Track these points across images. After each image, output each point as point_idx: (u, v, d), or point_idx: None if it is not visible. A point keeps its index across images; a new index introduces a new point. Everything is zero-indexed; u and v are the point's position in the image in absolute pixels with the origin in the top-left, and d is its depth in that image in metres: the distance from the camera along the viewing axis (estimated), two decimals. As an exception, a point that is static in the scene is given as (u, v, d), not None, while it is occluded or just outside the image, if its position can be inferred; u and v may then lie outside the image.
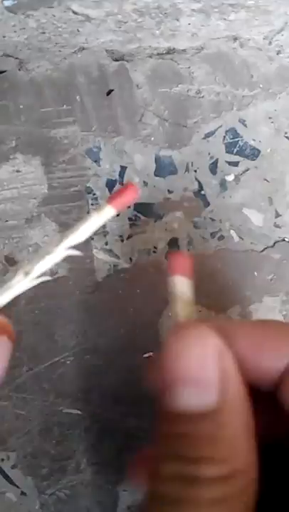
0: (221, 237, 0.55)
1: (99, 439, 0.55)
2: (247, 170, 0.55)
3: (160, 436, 0.22)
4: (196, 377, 0.20)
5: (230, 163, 0.55)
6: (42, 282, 0.52)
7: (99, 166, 0.54)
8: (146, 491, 0.21)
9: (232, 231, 0.55)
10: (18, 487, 0.55)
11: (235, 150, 0.54)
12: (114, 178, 0.54)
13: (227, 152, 0.54)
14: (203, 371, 0.20)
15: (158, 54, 0.54)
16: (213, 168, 0.54)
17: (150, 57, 0.54)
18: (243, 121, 0.54)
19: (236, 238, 0.55)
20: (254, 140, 0.54)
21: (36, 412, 0.54)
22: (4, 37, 0.51)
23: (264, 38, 0.54)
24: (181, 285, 0.27)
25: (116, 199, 0.27)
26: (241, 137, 0.54)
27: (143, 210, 0.54)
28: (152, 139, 0.54)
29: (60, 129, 0.54)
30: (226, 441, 0.19)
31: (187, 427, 0.20)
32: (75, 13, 0.49)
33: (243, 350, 0.22)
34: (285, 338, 0.22)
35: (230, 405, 0.20)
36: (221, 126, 0.54)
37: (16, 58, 0.53)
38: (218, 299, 0.55)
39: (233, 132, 0.54)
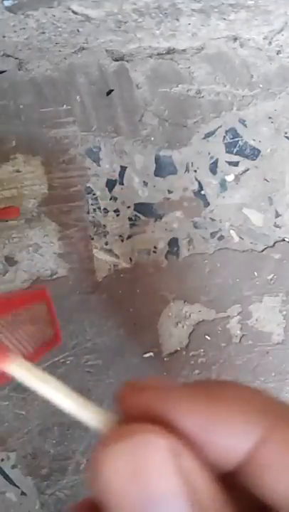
0: (221, 237, 0.55)
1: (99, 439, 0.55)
2: (247, 170, 0.55)
3: None
4: (156, 500, 0.16)
5: (230, 163, 0.55)
6: (42, 282, 0.52)
7: (99, 166, 0.54)
8: None
9: (232, 231, 0.55)
10: (18, 487, 0.55)
11: (235, 150, 0.54)
12: (114, 178, 0.54)
13: (227, 152, 0.54)
14: (163, 488, 0.16)
15: (158, 54, 0.54)
16: (213, 168, 0.54)
17: (150, 57, 0.54)
18: (243, 121, 0.54)
19: (236, 238, 0.55)
20: (254, 140, 0.54)
21: (36, 412, 0.54)
22: (4, 37, 0.51)
23: (264, 38, 0.54)
24: (30, 371, 0.18)
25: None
26: (241, 137, 0.54)
27: (143, 210, 0.54)
28: (152, 139, 0.54)
29: (60, 129, 0.54)
30: None
31: None
32: (75, 13, 0.49)
33: (193, 434, 0.17)
34: (246, 411, 0.17)
35: (204, 508, 0.16)
36: (220, 126, 0.54)
37: (16, 58, 0.53)
38: (218, 298, 0.55)
39: (233, 132, 0.54)
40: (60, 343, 0.46)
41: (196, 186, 0.54)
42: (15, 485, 0.55)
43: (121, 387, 0.18)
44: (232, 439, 0.17)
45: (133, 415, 0.17)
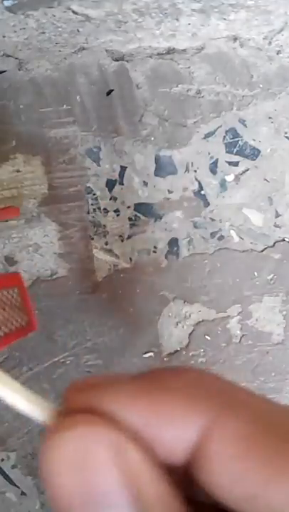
0: (221, 237, 0.55)
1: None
2: (247, 170, 0.55)
3: None
4: (95, 498, 0.16)
5: (230, 163, 0.55)
6: (42, 282, 0.52)
7: (99, 166, 0.54)
8: None
9: (232, 231, 0.55)
10: (18, 487, 0.55)
11: (235, 150, 0.54)
12: (114, 178, 0.54)
13: (227, 152, 0.54)
14: (105, 483, 0.15)
15: (158, 54, 0.54)
16: (213, 168, 0.54)
17: (150, 57, 0.54)
18: (243, 121, 0.54)
19: (236, 238, 0.55)
20: (254, 140, 0.54)
21: (36, 412, 0.54)
22: (4, 37, 0.51)
23: (264, 38, 0.54)
24: None
25: None
26: (241, 137, 0.54)
27: (143, 210, 0.54)
28: (152, 139, 0.54)
29: (60, 129, 0.54)
30: None
31: None
32: (75, 13, 0.49)
33: (138, 427, 0.16)
34: (189, 400, 0.16)
35: (150, 509, 0.15)
36: (220, 126, 0.54)
37: (16, 58, 0.53)
38: (218, 298, 0.55)
39: (233, 132, 0.54)
40: (35, 329, 0.46)
41: (196, 186, 0.54)
42: (15, 485, 0.55)
43: (66, 387, 0.18)
44: (175, 431, 0.16)
45: (78, 412, 0.17)
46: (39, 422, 0.17)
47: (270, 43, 0.54)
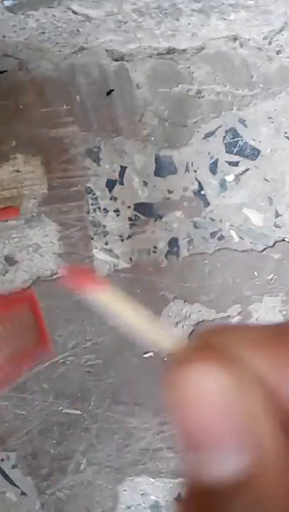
0: (221, 237, 0.55)
1: (99, 439, 0.55)
2: (247, 170, 0.55)
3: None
4: (213, 436, 0.15)
5: (230, 163, 0.55)
6: (42, 282, 0.51)
7: (99, 166, 0.54)
8: None
9: (232, 231, 0.55)
10: (18, 487, 0.55)
11: (235, 150, 0.54)
12: (114, 178, 0.54)
13: (227, 152, 0.54)
14: (222, 426, 0.15)
15: (158, 54, 0.54)
16: (213, 168, 0.54)
17: (150, 57, 0.54)
18: (243, 121, 0.54)
19: (236, 238, 0.55)
20: (254, 140, 0.54)
21: (36, 412, 0.54)
22: (4, 37, 0.51)
23: (264, 38, 0.54)
24: (113, 297, 0.19)
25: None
26: (241, 137, 0.54)
27: (143, 210, 0.54)
28: (152, 138, 0.54)
29: (60, 129, 0.54)
30: None
31: (218, 504, 0.15)
32: (75, 13, 0.49)
33: (262, 373, 0.16)
34: None
35: (268, 467, 0.15)
36: (220, 126, 0.54)
37: (16, 58, 0.53)
38: (218, 298, 0.55)
39: (233, 132, 0.54)
40: (50, 351, 0.45)
41: (196, 186, 0.54)
42: (15, 485, 0.55)
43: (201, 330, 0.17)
44: None
45: (209, 349, 0.17)
46: (166, 350, 0.17)
47: (270, 43, 0.54)
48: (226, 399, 0.15)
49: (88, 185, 0.54)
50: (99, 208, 0.54)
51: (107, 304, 0.19)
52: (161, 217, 0.54)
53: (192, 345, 0.17)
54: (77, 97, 0.54)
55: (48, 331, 0.44)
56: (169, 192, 0.54)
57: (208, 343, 0.17)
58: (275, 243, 0.55)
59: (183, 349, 0.17)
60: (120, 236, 0.54)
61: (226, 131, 0.54)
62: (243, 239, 0.55)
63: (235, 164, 0.54)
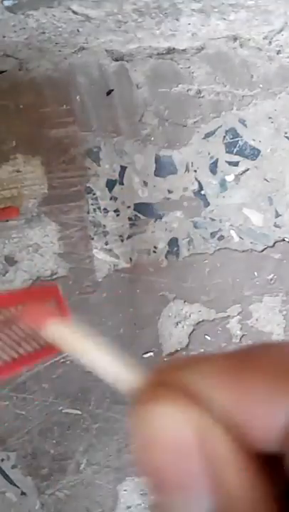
0: (221, 237, 0.55)
1: (99, 439, 0.55)
2: (247, 170, 0.55)
3: None
4: (176, 479, 0.15)
5: (230, 163, 0.55)
6: (42, 282, 0.51)
7: (99, 166, 0.54)
8: None
9: (232, 231, 0.55)
10: (18, 487, 0.55)
11: (235, 150, 0.54)
12: (114, 178, 0.54)
13: (227, 152, 0.54)
14: (185, 469, 0.14)
15: (158, 54, 0.54)
16: (213, 168, 0.54)
17: (150, 57, 0.54)
18: (243, 121, 0.54)
19: (236, 238, 0.55)
20: (254, 140, 0.54)
21: (36, 412, 0.54)
22: (4, 37, 0.51)
23: (264, 38, 0.54)
24: (67, 331, 0.18)
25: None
26: (241, 137, 0.54)
27: (143, 210, 0.54)
28: (152, 138, 0.54)
29: (60, 129, 0.54)
30: None
31: None
32: (75, 13, 0.49)
33: (226, 408, 0.15)
34: (280, 378, 0.15)
35: (233, 503, 0.14)
36: (220, 126, 0.54)
37: (16, 58, 0.53)
38: (218, 298, 0.55)
39: (233, 132, 0.54)
40: None
41: (196, 186, 0.54)
42: (15, 485, 0.55)
43: (157, 365, 0.17)
44: (265, 411, 0.15)
45: (167, 387, 0.16)
46: (123, 390, 0.17)
47: (270, 43, 0.54)
48: (187, 441, 0.14)
49: (88, 185, 0.54)
50: (99, 208, 0.54)
51: (66, 339, 0.18)
52: (161, 217, 0.54)
53: (153, 383, 0.16)
54: (77, 97, 0.54)
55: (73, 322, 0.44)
56: (169, 192, 0.54)
57: (168, 380, 0.16)
58: (275, 243, 0.55)
59: (144, 386, 0.16)
60: (120, 236, 0.54)
61: (226, 131, 0.54)
62: (243, 239, 0.55)
63: (235, 164, 0.54)
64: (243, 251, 0.55)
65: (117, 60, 0.54)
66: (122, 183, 0.54)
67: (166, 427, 0.15)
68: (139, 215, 0.54)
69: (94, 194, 0.54)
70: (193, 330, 0.55)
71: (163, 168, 0.54)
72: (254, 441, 0.15)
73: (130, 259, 0.54)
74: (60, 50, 0.53)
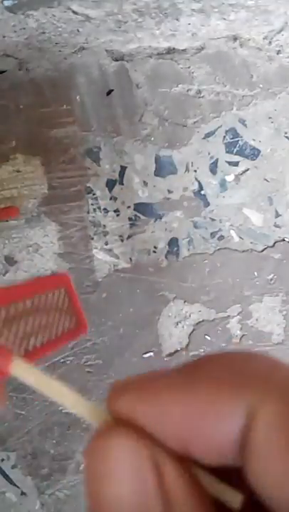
0: (221, 237, 0.55)
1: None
2: (247, 170, 0.55)
3: None
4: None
5: (230, 163, 0.55)
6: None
7: (99, 166, 0.54)
8: None
9: (232, 231, 0.55)
10: (18, 487, 0.55)
11: (235, 150, 0.54)
12: (114, 178, 0.54)
13: (227, 152, 0.54)
14: (138, 500, 0.14)
15: (158, 54, 0.54)
16: (213, 168, 0.54)
17: (150, 57, 0.54)
18: (243, 121, 0.54)
19: (236, 238, 0.55)
20: (254, 140, 0.54)
21: (36, 412, 0.54)
22: (4, 37, 0.51)
23: (264, 38, 0.54)
24: (29, 371, 0.18)
25: None
26: (241, 137, 0.54)
27: (143, 210, 0.54)
28: (152, 138, 0.54)
29: (60, 129, 0.54)
30: None
31: None
32: (75, 13, 0.49)
33: (174, 432, 0.15)
34: (227, 386, 0.14)
35: None
36: (220, 126, 0.54)
37: (16, 58, 0.53)
38: (218, 298, 0.55)
39: (233, 132, 0.54)
40: (86, 331, 0.45)
41: (196, 186, 0.54)
42: (15, 485, 0.55)
43: (110, 388, 0.17)
44: (219, 421, 0.14)
45: (119, 418, 0.16)
46: (94, 424, 0.17)
47: (270, 43, 0.54)
48: (140, 476, 0.14)
49: (88, 185, 0.54)
50: (99, 208, 0.54)
51: (31, 377, 0.19)
52: (161, 217, 0.54)
53: (107, 419, 0.16)
54: (77, 97, 0.54)
55: (84, 313, 0.44)
56: (169, 192, 0.54)
57: (123, 413, 0.16)
58: (275, 243, 0.55)
59: (101, 422, 0.17)
60: (120, 236, 0.54)
61: (226, 131, 0.54)
62: (243, 239, 0.55)
63: (235, 164, 0.54)
64: (243, 251, 0.55)
65: (117, 60, 0.54)
66: (122, 183, 0.54)
67: (120, 460, 0.15)
68: (139, 215, 0.54)
69: (94, 194, 0.54)
70: (193, 330, 0.55)
71: (163, 168, 0.54)
72: (209, 458, 0.15)
73: (130, 259, 0.54)
74: (60, 50, 0.53)
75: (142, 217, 0.54)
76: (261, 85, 0.54)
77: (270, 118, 0.54)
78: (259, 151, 0.54)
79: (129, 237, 0.54)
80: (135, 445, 0.15)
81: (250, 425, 0.14)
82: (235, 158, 0.54)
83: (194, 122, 0.54)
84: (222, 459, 0.15)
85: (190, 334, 0.55)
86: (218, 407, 0.14)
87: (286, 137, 0.54)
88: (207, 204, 0.54)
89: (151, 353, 0.55)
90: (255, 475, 0.14)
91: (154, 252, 0.54)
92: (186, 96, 0.54)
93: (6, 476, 0.55)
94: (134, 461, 0.15)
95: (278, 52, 0.54)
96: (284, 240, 0.55)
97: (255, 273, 0.55)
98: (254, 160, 0.54)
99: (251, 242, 0.55)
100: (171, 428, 0.15)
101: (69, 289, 0.43)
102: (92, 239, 0.54)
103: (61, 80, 0.54)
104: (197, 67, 0.54)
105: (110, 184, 0.54)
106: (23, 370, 0.18)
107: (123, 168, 0.54)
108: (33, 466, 0.55)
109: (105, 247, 0.54)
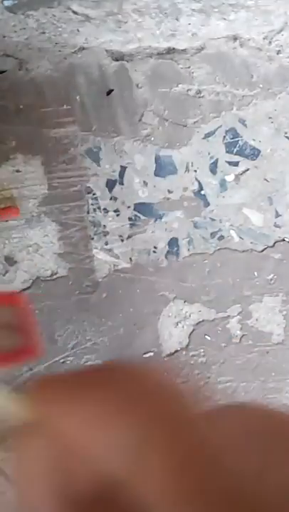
0: (221, 237, 0.55)
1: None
2: (247, 170, 0.55)
3: None
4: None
5: (230, 163, 0.55)
6: (42, 282, 0.51)
7: (99, 166, 0.54)
8: None
9: (232, 231, 0.55)
10: (18, 487, 0.55)
11: (235, 150, 0.54)
12: (114, 178, 0.54)
13: (227, 152, 0.54)
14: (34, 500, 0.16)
15: (158, 54, 0.54)
16: (213, 168, 0.54)
17: (150, 57, 0.54)
18: (243, 121, 0.54)
19: (236, 238, 0.55)
20: (254, 140, 0.54)
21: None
22: (4, 37, 0.51)
23: (264, 38, 0.54)
24: None
25: None
26: (241, 137, 0.54)
27: (143, 210, 0.54)
28: (152, 138, 0.54)
29: (60, 129, 0.54)
30: None
31: None
32: (75, 13, 0.49)
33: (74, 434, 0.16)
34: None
35: None
36: (220, 126, 0.54)
37: (16, 58, 0.53)
38: (218, 298, 0.55)
39: (233, 132, 0.54)
40: (39, 355, 0.44)
41: (196, 186, 0.54)
42: (15, 485, 0.55)
43: (33, 382, 0.18)
44: (109, 442, 0.15)
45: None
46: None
47: (270, 43, 0.54)
48: (37, 476, 0.16)
49: (88, 185, 0.54)
50: (99, 208, 0.54)
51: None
52: (161, 217, 0.54)
53: (26, 418, 0.18)
54: (77, 97, 0.54)
55: (39, 334, 0.43)
56: (169, 192, 0.54)
57: (37, 414, 0.17)
58: (275, 243, 0.55)
59: (21, 422, 0.18)
60: (120, 236, 0.54)
61: (226, 131, 0.54)
62: (243, 239, 0.55)
63: (235, 164, 0.54)
64: (243, 251, 0.55)
65: (117, 60, 0.54)
66: (122, 183, 0.54)
67: (28, 458, 0.17)
68: (139, 215, 0.54)
69: (94, 194, 0.54)
70: (193, 330, 0.55)
71: (163, 168, 0.54)
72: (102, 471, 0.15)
73: (130, 259, 0.54)
74: (60, 50, 0.53)
75: (142, 217, 0.54)
76: (261, 85, 0.54)
77: (270, 118, 0.54)
78: (259, 151, 0.54)
79: (129, 237, 0.54)
80: (43, 446, 0.16)
81: (137, 452, 0.15)
82: (235, 158, 0.54)
83: (194, 122, 0.54)
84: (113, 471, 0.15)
85: (190, 334, 0.55)
86: (112, 422, 0.16)
87: (286, 137, 0.54)
88: (207, 204, 0.54)
89: (151, 353, 0.55)
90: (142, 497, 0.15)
91: (154, 252, 0.54)
92: (186, 96, 0.54)
93: (6, 476, 0.55)
94: (38, 459, 0.17)
95: (278, 52, 0.54)
96: (284, 240, 0.55)
97: (255, 273, 0.55)
98: (254, 160, 0.54)
99: (251, 242, 0.55)
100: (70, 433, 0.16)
101: (24, 309, 0.42)
102: (92, 239, 0.54)
103: (61, 80, 0.54)
104: (197, 67, 0.54)
105: (110, 184, 0.54)
106: None
107: (123, 168, 0.54)
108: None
109: (105, 247, 0.54)
